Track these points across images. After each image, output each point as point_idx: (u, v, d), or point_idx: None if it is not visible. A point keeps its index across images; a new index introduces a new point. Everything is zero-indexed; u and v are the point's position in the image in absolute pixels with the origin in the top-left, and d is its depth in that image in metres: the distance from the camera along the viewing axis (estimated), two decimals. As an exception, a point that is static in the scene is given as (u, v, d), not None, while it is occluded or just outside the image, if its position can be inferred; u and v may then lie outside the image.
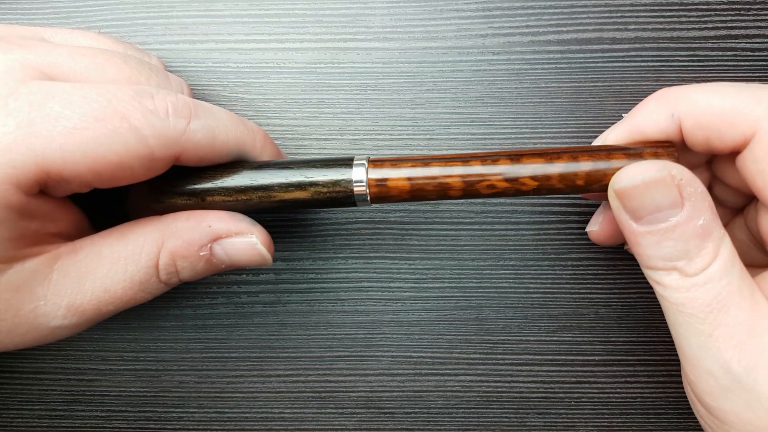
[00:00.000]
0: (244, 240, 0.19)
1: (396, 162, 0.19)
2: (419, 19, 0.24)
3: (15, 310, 0.17)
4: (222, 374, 0.25)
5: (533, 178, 0.18)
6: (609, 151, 0.18)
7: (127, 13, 0.24)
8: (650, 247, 0.17)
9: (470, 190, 0.18)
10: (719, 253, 0.17)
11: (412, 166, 0.19)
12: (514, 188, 0.18)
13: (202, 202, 0.19)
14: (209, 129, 0.18)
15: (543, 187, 0.18)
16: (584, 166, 0.18)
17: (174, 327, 0.25)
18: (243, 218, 0.19)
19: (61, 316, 0.17)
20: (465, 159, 0.19)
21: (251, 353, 0.25)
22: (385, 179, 0.19)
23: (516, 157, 0.18)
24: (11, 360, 0.25)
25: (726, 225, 0.22)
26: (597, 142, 0.21)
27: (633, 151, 0.18)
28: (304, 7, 0.24)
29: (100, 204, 0.21)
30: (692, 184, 0.17)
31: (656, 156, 0.18)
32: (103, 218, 0.21)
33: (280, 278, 0.25)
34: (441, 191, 0.19)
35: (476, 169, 0.18)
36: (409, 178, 0.19)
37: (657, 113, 0.19)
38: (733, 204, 0.22)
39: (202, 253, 0.19)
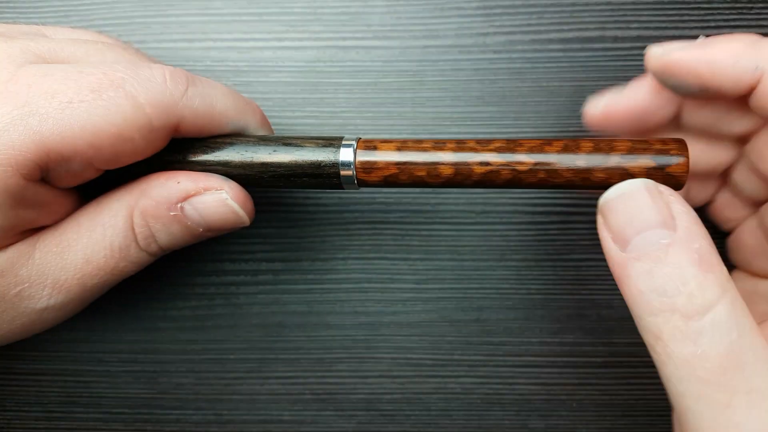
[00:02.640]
0: (214, 196, 0.18)
1: (385, 142, 0.18)
2: (420, 18, 0.24)
3: None
4: (220, 376, 0.25)
5: (529, 155, 0.17)
6: (611, 140, 0.17)
7: (125, 12, 0.24)
8: (640, 278, 0.15)
9: (463, 168, 0.17)
10: (725, 293, 0.14)
11: (401, 145, 0.18)
12: (510, 167, 0.17)
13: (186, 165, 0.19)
14: (207, 96, 0.18)
15: (540, 167, 0.17)
16: (586, 146, 0.17)
17: (172, 328, 0.25)
18: (214, 175, 0.19)
19: (46, 296, 0.17)
20: (459, 141, 0.18)
21: (250, 355, 0.25)
22: (374, 162, 0.18)
23: (512, 140, 0.18)
24: (8, 361, 0.25)
25: (738, 225, 0.21)
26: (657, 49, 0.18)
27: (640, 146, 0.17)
28: (304, 6, 0.24)
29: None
30: (682, 202, 0.15)
31: (665, 150, 0.17)
32: None
33: (279, 279, 0.25)
34: (431, 171, 0.18)
35: (470, 148, 0.18)
36: (398, 161, 0.18)
37: (741, 56, 0.16)
38: (756, 195, 0.19)
39: (172, 213, 0.18)
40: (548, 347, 0.24)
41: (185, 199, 0.18)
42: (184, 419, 0.25)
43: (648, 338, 0.15)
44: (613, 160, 0.17)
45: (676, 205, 0.15)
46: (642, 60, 0.24)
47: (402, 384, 0.25)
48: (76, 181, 0.17)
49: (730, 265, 0.22)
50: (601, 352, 0.24)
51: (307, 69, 0.24)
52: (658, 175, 0.17)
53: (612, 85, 0.24)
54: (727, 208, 0.21)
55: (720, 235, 0.23)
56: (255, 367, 0.25)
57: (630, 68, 0.24)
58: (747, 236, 0.20)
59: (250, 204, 0.19)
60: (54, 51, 0.17)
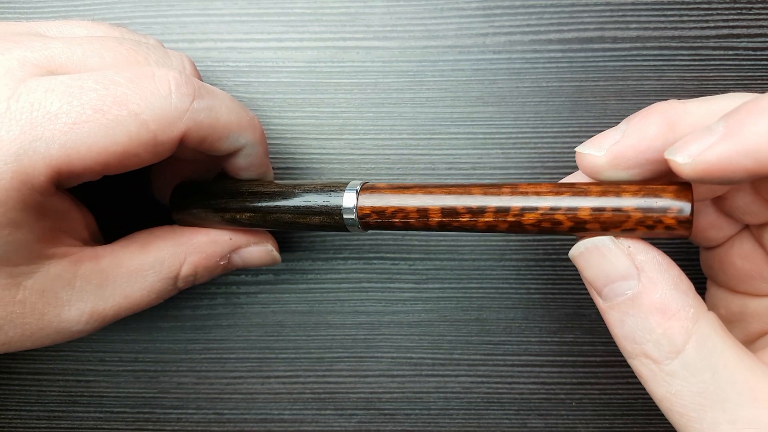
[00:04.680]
0: (261, 248, 0.21)
1: (391, 189, 0.18)
2: (419, 18, 0.24)
3: (39, 314, 0.18)
4: (221, 375, 0.25)
5: (548, 210, 0.16)
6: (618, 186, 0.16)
7: (126, 13, 0.24)
8: (615, 326, 0.16)
9: (481, 221, 0.17)
10: (692, 336, 0.15)
11: (404, 192, 0.18)
12: (515, 215, 0.16)
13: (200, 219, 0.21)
14: (212, 109, 0.18)
15: (545, 219, 0.16)
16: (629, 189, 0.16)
17: (173, 328, 0.25)
18: (258, 230, 0.21)
19: (84, 322, 0.18)
20: (466, 187, 0.17)
21: (250, 354, 0.25)
22: (375, 207, 0.18)
23: (514, 184, 0.17)
24: (9, 361, 0.25)
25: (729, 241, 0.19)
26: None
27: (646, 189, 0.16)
28: (304, 6, 0.24)
29: (106, 205, 0.22)
30: (645, 252, 0.15)
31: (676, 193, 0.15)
32: (108, 217, 0.21)
33: (279, 279, 0.25)
34: (441, 223, 0.17)
35: (480, 200, 0.17)
36: (401, 208, 0.17)
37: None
38: (758, 219, 0.18)
39: (222, 263, 0.21)
40: (548, 346, 0.25)
41: (235, 250, 0.21)
42: (184, 418, 0.25)
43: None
44: (657, 204, 0.15)
45: (640, 256, 0.16)
46: (641, 61, 0.24)
47: (402, 383, 0.25)
48: (82, 181, 0.18)
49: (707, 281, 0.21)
50: (600, 351, 0.24)
51: (307, 69, 0.24)
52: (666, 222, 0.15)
53: (611, 85, 0.24)
54: (712, 228, 0.19)
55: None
56: (255, 366, 0.25)
57: (629, 68, 0.24)
58: (737, 258, 0.19)
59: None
60: (51, 59, 0.17)
